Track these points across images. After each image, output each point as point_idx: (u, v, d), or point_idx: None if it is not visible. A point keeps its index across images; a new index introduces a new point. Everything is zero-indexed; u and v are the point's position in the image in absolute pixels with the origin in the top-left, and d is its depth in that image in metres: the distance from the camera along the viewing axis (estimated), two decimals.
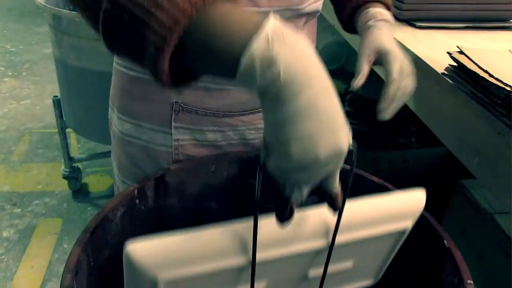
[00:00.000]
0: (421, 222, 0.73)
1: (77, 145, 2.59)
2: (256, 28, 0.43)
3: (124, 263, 0.51)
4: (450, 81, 0.84)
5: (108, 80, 1.69)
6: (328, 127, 0.44)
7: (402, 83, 0.77)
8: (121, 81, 0.82)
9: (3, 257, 1.87)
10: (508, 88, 0.68)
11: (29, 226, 2.04)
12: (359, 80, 0.82)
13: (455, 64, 0.81)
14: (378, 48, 0.79)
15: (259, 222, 0.51)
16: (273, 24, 0.43)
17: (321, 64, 0.45)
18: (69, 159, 2.10)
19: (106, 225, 0.69)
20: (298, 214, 0.55)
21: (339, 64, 2.35)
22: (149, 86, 0.79)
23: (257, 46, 0.42)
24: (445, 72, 0.84)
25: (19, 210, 2.13)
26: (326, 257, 0.60)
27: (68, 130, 2.07)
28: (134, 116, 0.82)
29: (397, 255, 0.78)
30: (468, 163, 0.84)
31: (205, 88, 0.78)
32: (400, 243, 0.66)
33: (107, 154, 2.18)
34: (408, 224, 0.62)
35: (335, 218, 0.56)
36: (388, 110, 0.81)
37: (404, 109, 1.77)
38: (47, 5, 1.72)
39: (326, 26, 1.63)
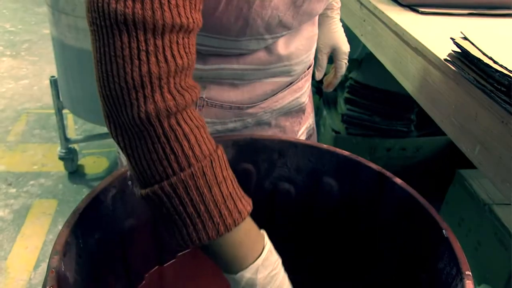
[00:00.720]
0: (419, 211, 0.72)
1: (74, 127, 2.57)
2: (254, 259, 0.56)
3: None
4: (453, 68, 0.82)
5: None
6: None
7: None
8: None
9: None
10: None
11: (24, 206, 2.03)
12: (319, 74, 1.04)
13: (458, 50, 0.79)
14: (333, 45, 1.03)
15: None
16: (264, 257, 0.57)
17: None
18: (66, 140, 2.08)
19: (97, 206, 0.68)
20: None
21: None
22: None
23: (248, 272, 0.56)
24: (448, 59, 0.82)
25: (14, 190, 2.12)
26: None
27: (65, 111, 2.04)
28: None
29: (393, 245, 0.77)
30: (469, 152, 0.82)
31: (231, 83, 0.79)
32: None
33: (103, 135, 2.17)
34: None
35: None
36: (330, 89, 1.11)
37: (404, 97, 1.76)
38: None
39: None
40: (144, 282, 0.85)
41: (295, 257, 0.72)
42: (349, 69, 2.01)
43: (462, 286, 0.59)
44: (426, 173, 1.94)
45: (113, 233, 0.73)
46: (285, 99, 0.88)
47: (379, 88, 1.88)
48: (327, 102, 2.16)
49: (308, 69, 0.91)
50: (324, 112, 2.11)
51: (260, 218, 0.61)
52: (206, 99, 0.79)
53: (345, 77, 1.97)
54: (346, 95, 1.96)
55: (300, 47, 0.80)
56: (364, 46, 2.32)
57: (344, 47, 1.04)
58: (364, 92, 1.91)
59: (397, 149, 1.95)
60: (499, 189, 0.75)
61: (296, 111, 0.93)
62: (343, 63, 1.05)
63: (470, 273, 0.60)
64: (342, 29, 1.04)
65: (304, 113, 0.96)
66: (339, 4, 1.04)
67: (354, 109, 1.95)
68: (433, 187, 1.53)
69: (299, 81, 0.88)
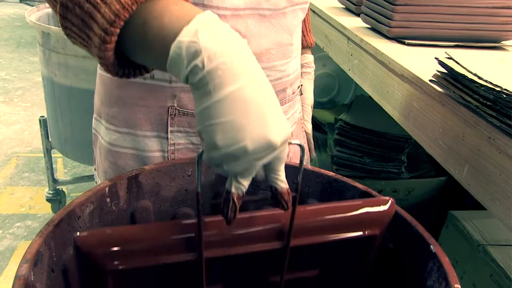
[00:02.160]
0: (405, 229, 0.70)
1: (64, 170, 2.56)
2: (189, 21, 0.46)
3: (73, 252, 0.50)
4: (438, 88, 0.82)
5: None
6: (256, 119, 0.45)
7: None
8: (110, 88, 0.79)
9: None
10: (498, 89, 0.66)
11: (9, 248, 2.00)
12: (309, 126, 1.08)
13: (443, 70, 0.79)
14: (312, 101, 1.08)
15: (209, 220, 0.52)
16: (205, 17, 0.46)
17: (252, 58, 0.47)
18: (54, 181, 2.06)
19: (73, 220, 0.65)
20: (251, 215, 0.55)
21: (330, 96, 2.35)
22: (142, 91, 0.76)
23: (185, 37, 0.45)
24: (433, 79, 0.82)
25: (0, 231, 2.10)
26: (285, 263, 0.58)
27: (55, 155, 2.04)
28: (125, 123, 0.79)
29: (380, 265, 0.74)
30: (457, 174, 0.81)
31: None
32: (371, 253, 0.63)
33: (92, 177, 2.14)
34: (375, 231, 0.60)
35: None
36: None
37: (394, 138, 1.76)
38: (37, 22, 1.71)
39: (317, 57, 1.64)
40: None
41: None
42: (339, 112, 2.02)
43: None
44: (419, 215, 1.92)
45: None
46: None
47: (369, 129, 1.88)
48: (317, 144, 2.15)
49: (293, 94, 0.89)
50: (314, 154, 2.10)
51: None
52: (178, 108, 0.76)
53: (335, 119, 1.98)
54: (335, 136, 1.96)
55: (272, 51, 0.78)
56: (354, 92, 2.35)
57: (308, 100, 1.08)
58: (354, 133, 1.91)
59: (388, 191, 1.93)
60: (488, 208, 0.73)
61: None
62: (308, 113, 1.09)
63: (459, 286, 0.58)
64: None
65: (289, 146, 0.93)
66: (312, 65, 1.10)
67: (344, 151, 1.95)
68: (426, 229, 1.50)
69: (282, 103, 0.86)
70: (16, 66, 4.28)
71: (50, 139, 1.99)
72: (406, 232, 0.70)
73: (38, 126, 1.98)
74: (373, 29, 1.29)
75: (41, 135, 2.00)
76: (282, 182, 0.51)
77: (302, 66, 1.05)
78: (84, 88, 1.71)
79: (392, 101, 1.04)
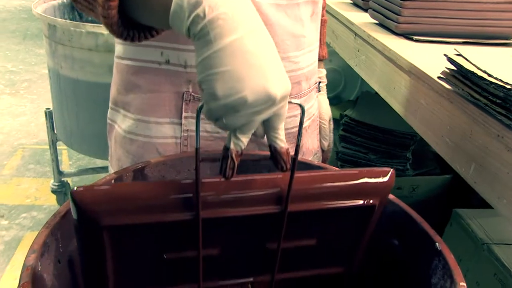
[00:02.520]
0: (410, 226, 0.70)
1: (69, 162, 2.57)
2: None
3: (70, 207, 0.50)
4: (446, 85, 0.82)
5: (100, 91, 1.69)
6: (256, 70, 0.45)
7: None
8: (126, 75, 0.80)
9: None
10: (508, 86, 0.66)
11: (15, 238, 2.02)
12: (325, 143, 1.05)
13: (452, 67, 0.78)
14: (329, 114, 1.05)
15: (206, 181, 0.51)
16: None
17: (253, 10, 0.48)
18: (59, 173, 2.07)
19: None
20: (249, 177, 0.54)
21: (336, 91, 2.34)
22: (157, 76, 0.76)
23: None
24: (441, 76, 0.82)
25: (7, 222, 2.12)
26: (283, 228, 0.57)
27: (60, 147, 2.05)
28: (140, 110, 0.79)
29: (382, 262, 0.74)
30: (464, 172, 0.81)
31: None
32: (370, 225, 0.62)
33: (97, 170, 2.15)
34: (374, 201, 0.59)
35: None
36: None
37: (400, 134, 1.76)
38: (43, 14, 1.72)
39: None
40: None
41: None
42: (344, 108, 2.02)
43: None
44: (423, 212, 1.91)
45: None
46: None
47: (374, 125, 1.88)
48: None
49: (308, 89, 0.89)
50: None
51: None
52: (193, 94, 0.76)
53: (341, 115, 1.98)
54: (341, 132, 1.95)
55: (286, 42, 0.78)
56: (360, 88, 2.35)
57: (325, 115, 1.06)
58: (359, 129, 1.91)
59: (393, 188, 1.92)
60: (495, 207, 0.73)
61: (292, 135, 0.88)
62: (332, 135, 1.08)
63: (464, 284, 0.58)
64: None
65: (301, 140, 0.91)
66: (325, 82, 1.08)
67: (349, 147, 1.94)
68: (430, 226, 1.50)
69: (297, 97, 0.86)
70: (23, 58, 4.29)
71: (55, 131, 2.00)
72: (411, 229, 0.70)
73: (44, 118, 1.99)
74: (381, 25, 1.28)
75: (47, 127, 2.00)
76: (281, 141, 0.51)
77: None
78: (90, 80, 1.71)
79: (399, 97, 1.04)
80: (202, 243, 0.54)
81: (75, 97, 1.79)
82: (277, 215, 0.55)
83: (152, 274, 0.58)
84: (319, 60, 1.03)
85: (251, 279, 0.64)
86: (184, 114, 0.77)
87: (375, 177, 0.58)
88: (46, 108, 1.98)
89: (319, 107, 1.02)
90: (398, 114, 1.06)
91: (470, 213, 1.62)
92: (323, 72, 1.05)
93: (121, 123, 0.83)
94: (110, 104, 0.86)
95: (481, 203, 1.59)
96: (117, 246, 0.52)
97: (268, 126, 0.50)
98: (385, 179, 0.58)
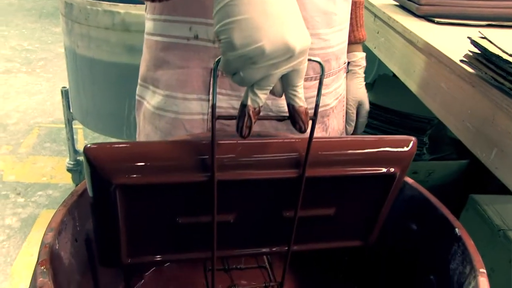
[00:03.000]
0: (430, 211, 0.69)
1: (84, 141, 2.58)
2: None
3: (84, 164, 0.48)
4: (469, 69, 0.80)
5: (116, 70, 1.68)
6: (274, 19, 0.44)
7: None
8: (155, 51, 0.80)
9: (4, 243, 1.89)
10: None
11: (31, 215, 2.04)
12: (350, 128, 1.04)
13: (475, 50, 0.77)
14: (359, 101, 1.02)
15: (222, 142, 0.50)
16: None
17: None
18: (74, 152, 2.08)
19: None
20: (266, 140, 0.53)
21: None
22: (185, 52, 0.76)
23: None
24: (464, 59, 0.80)
25: (23, 200, 2.14)
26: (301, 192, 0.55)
27: (76, 126, 2.05)
28: (168, 86, 0.79)
29: (400, 247, 0.74)
30: (484, 157, 0.79)
31: None
32: (390, 196, 0.60)
33: None
34: (395, 170, 0.57)
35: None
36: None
37: (417, 118, 1.74)
38: None
39: None
40: (143, 281, 0.82)
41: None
42: None
43: (476, 283, 0.55)
44: (438, 197, 1.90)
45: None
46: (307, 89, 0.83)
47: (391, 109, 1.86)
48: None
49: (338, 68, 0.87)
50: None
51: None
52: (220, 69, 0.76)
53: None
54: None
55: (316, 19, 0.76)
56: (377, 71, 2.32)
57: (367, 105, 1.05)
58: (376, 113, 1.89)
59: (409, 172, 1.91)
60: None
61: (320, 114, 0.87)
62: (365, 120, 1.07)
63: (484, 270, 0.57)
64: (365, 89, 1.06)
65: (328, 120, 0.90)
66: (365, 63, 1.05)
67: (366, 130, 1.93)
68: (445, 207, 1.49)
69: (326, 76, 0.84)
70: (39, 37, 4.30)
71: (71, 110, 2.00)
72: (429, 214, 0.69)
73: (60, 97, 1.99)
74: (402, 7, 1.26)
75: (63, 106, 2.00)
76: (300, 99, 0.50)
77: (348, 64, 1.01)
78: (106, 60, 1.70)
79: (418, 80, 1.02)
80: (217, 208, 0.53)
81: (91, 76, 1.79)
82: (294, 180, 0.54)
83: (165, 239, 0.57)
84: (357, 43, 1.02)
85: (267, 250, 0.63)
86: (211, 90, 0.77)
87: (396, 145, 0.56)
88: (62, 87, 1.98)
89: (346, 92, 1.00)
90: (415, 98, 1.05)
91: (486, 199, 1.60)
92: (359, 55, 1.03)
93: (150, 99, 0.83)
94: (139, 81, 0.86)
95: (497, 189, 1.57)
96: (129, 207, 0.51)
97: (287, 83, 0.49)
98: (407, 147, 0.57)
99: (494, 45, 0.72)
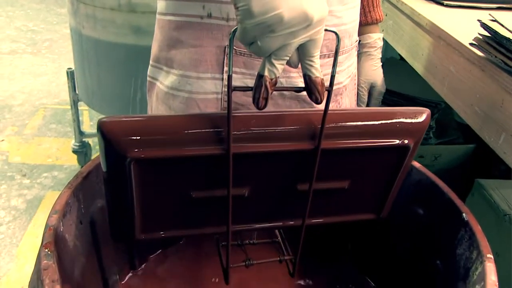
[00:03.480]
0: (438, 195, 0.69)
1: (90, 123, 2.57)
2: None
3: (98, 138, 0.48)
4: (479, 53, 0.79)
5: (122, 52, 1.67)
6: None
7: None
8: (168, 31, 0.79)
9: (10, 224, 1.89)
10: None
11: (37, 197, 2.04)
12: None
13: (485, 33, 0.75)
14: (372, 83, 1.00)
15: (238, 114, 0.50)
16: None
17: None
18: (80, 133, 2.07)
19: (101, 173, 0.65)
20: (282, 112, 0.53)
21: None
22: (199, 31, 0.75)
23: None
24: (474, 43, 0.79)
25: (28, 181, 2.13)
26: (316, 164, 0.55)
27: (82, 108, 2.04)
28: (182, 66, 0.78)
29: (407, 231, 0.73)
30: (493, 142, 0.79)
31: None
32: (403, 168, 0.60)
33: None
34: (409, 141, 0.56)
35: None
36: None
37: (423, 102, 1.73)
38: None
39: None
40: (146, 264, 0.82)
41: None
42: None
43: (483, 269, 0.55)
44: (444, 181, 1.89)
45: None
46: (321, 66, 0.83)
47: (398, 92, 1.85)
48: None
49: (350, 46, 0.86)
50: None
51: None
52: (234, 47, 0.75)
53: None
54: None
55: None
56: (384, 54, 2.30)
57: (381, 87, 1.03)
58: (383, 96, 1.88)
59: (415, 156, 1.90)
60: None
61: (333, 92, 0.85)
62: (378, 102, 1.04)
63: (491, 256, 0.57)
64: (381, 69, 1.04)
65: (341, 98, 0.89)
66: (381, 43, 1.03)
67: None
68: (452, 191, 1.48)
69: (340, 53, 0.82)
70: (44, 18, 4.27)
71: (77, 92, 1.99)
72: (437, 199, 0.69)
73: (65, 78, 1.98)
74: None
75: (68, 87, 1.99)
76: (316, 70, 0.50)
77: (363, 46, 1.00)
78: (112, 41, 1.69)
79: (426, 64, 1.01)
80: (232, 181, 0.52)
81: (96, 57, 1.78)
82: (310, 152, 0.53)
83: (179, 214, 0.56)
84: (374, 23, 1.00)
85: (281, 224, 0.62)
86: (225, 69, 0.76)
87: (411, 117, 0.56)
88: (68, 68, 1.97)
89: (359, 73, 0.99)
90: (422, 81, 1.04)
91: (492, 183, 1.59)
92: (375, 36, 1.01)
93: (164, 79, 0.82)
94: (151, 62, 0.86)
95: (503, 174, 1.56)
96: (144, 181, 0.51)
97: (303, 53, 0.49)
98: (421, 119, 0.56)
99: (505, 28, 0.71)
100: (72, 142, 2.12)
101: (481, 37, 0.77)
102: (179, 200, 0.54)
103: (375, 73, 1.02)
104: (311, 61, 0.49)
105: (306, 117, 0.53)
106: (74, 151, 2.12)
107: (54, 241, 0.51)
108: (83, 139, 2.13)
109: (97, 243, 0.66)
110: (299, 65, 0.51)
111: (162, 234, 0.58)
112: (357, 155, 0.56)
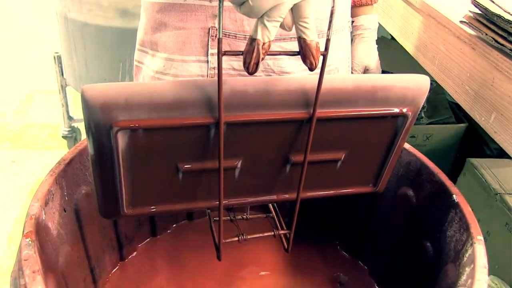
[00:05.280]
0: (428, 176, 0.68)
1: (79, 108, 2.55)
2: None
3: (82, 107, 0.45)
4: (469, 30, 0.78)
5: (109, 35, 1.64)
6: None
7: None
8: (152, 13, 0.78)
9: (0, 211, 1.87)
10: None
11: (27, 183, 2.02)
12: None
13: (476, 10, 0.74)
14: (366, 66, 0.98)
15: (229, 79, 0.48)
16: None
17: None
18: (69, 118, 2.05)
19: (85, 159, 0.64)
20: (275, 78, 0.50)
21: None
22: (182, 12, 0.74)
23: None
24: (464, 20, 0.77)
25: (18, 167, 2.11)
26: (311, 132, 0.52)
27: (70, 94, 2.02)
28: (166, 49, 0.77)
29: (396, 213, 0.73)
30: (484, 121, 0.78)
31: None
32: (401, 139, 0.57)
33: None
34: (407, 110, 0.54)
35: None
36: None
37: None
38: None
39: None
40: (135, 253, 0.81)
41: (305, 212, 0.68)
42: None
43: (473, 251, 0.54)
44: (436, 161, 1.89)
45: None
46: None
47: (389, 72, 1.83)
48: None
49: (341, 26, 0.83)
50: None
51: None
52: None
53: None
54: None
55: None
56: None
57: (376, 69, 1.01)
58: None
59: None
60: None
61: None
62: None
63: (481, 238, 0.56)
64: (376, 52, 1.01)
65: None
66: (376, 26, 1.00)
67: None
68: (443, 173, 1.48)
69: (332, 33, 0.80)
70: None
71: (64, 76, 1.97)
72: (427, 180, 0.68)
73: (53, 63, 1.96)
74: None
75: (56, 72, 1.97)
76: (311, 33, 0.47)
77: (356, 28, 0.97)
78: (99, 24, 1.66)
79: (417, 43, 1.00)
80: (224, 152, 0.50)
81: (83, 41, 1.75)
82: (304, 121, 0.51)
83: (168, 188, 0.54)
84: (368, 4, 0.98)
85: (275, 197, 0.60)
86: (210, 51, 0.75)
87: (409, 84, 0.53)
88: (55, 53, 1.94)
89: (352, 56, 0.97)
90: (413, 61, 1.02)
91: (483, 162, 1.59)
92: (367, 18, 0.98)
93: (149, 63, 0.81)
94: (137, 46, 0.84)
95: (495, 153, 1.56)
96: (130, 152, 0.48)
97: (297, 14, 0.47)
98: (420, 86, 0.53)
99: (496, 4, 0.70)
100: (61, 127, 2.10)
101: (471, 14, 0.76)
102: (168, 173, 0.52)
103: (369, 55, 0.99)
104: (305, 22, 0.47)
105: (301, 82, 0.50)
106: (64, 137, 2.10)
107: (36, 230, 0.50)
108: (72, 124, 2.10)
109: (83, 231, 0.65)
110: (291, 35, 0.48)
111: (152, 209, 0.55)
112: (353, 124, 0.54)
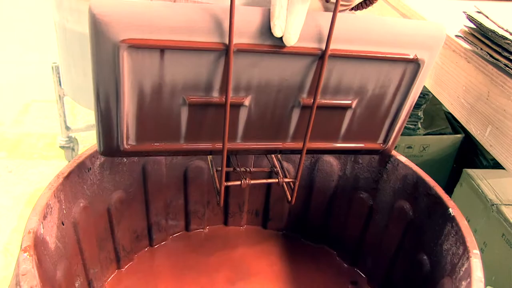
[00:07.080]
0: (424, 190, 0.68)
1: (77, 118, 2.55)
2: None
3: (88, 25, 0.44)
4: (464, 44, 0.78)
5: None
6: None
7: None
8: None
9: None
10: None
11: (23, 193, 2.02)
12: None
13: (471, 25, 0.75)
14: None
15: (243, 10, 0.45)
16: None
17: None
18: (66, 128, 2.05)
19: (83, 173, 0.64)
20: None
21: None
22: None
23: None
24: (459, 34, 0.78)
25: (15, 177, 2.10)
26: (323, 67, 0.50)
27: (68, 104, 2.02)
28: None
29: (393, 226, 0.73)
30: (479, 135, 0.78)
31: None
32: (413, 90, 0.55)
33: None
34: (423, 56, 0.52)
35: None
36: None
37: None
38: None
39: None
40: (133, 262, 0.81)
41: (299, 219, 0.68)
42: None
43: (469, 265, 0.55)
44: (433, 172, 1.90)
45: (100, 204, 0.69)
46: None
47: None
48: None
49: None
50: None
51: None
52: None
53: None
54: None
55: None
56: None
57: None
58: None
59: (403, 146, 1.91)
60: (510, 171, 0.71)
61: None
62: None
63: (478, 251, 0.56)
64: None
65: None
66: None
67: None
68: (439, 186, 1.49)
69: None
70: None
71: (62, 86, 1.97)
72: (423, 193, 0.68)
73: (51, 73, 1.96)
74: None
75: (54, 82, 1.98)
76: None
77: None
78: None
79: None
80: (232, 85, 0.48)
81: (81, 51, 1.76)
82: (317, 57, 0.49)
83: (172, 122, 0.52)
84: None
85: (280, 145, 0.58)
86: None
87: (426, 29, 0.51)
88: (53, 63, 1.95)
89: None
90: None
91: (480, 173, 1.60)
92: None
93: None
94: None
95: (491, 164, 1.56)
96: (135, 75, 0.46)
97: None
98: (437, 32, 0.52)
99: (490, 20, 0.71)
100: (58, 137, 2.10)
101: (466, 29, 0.76)
102: (173, 105, 0.50)
103: None
104: None
105: (314, 17, 0.48)
106: (61, 147, 2.10)
107: (34, 244, 0.50)
108: (70, 134, 2.11)
109: (80, 244, 0.65)
110: None
111: (154, 145, 0.53)
112: (366, 67, 0.52)
